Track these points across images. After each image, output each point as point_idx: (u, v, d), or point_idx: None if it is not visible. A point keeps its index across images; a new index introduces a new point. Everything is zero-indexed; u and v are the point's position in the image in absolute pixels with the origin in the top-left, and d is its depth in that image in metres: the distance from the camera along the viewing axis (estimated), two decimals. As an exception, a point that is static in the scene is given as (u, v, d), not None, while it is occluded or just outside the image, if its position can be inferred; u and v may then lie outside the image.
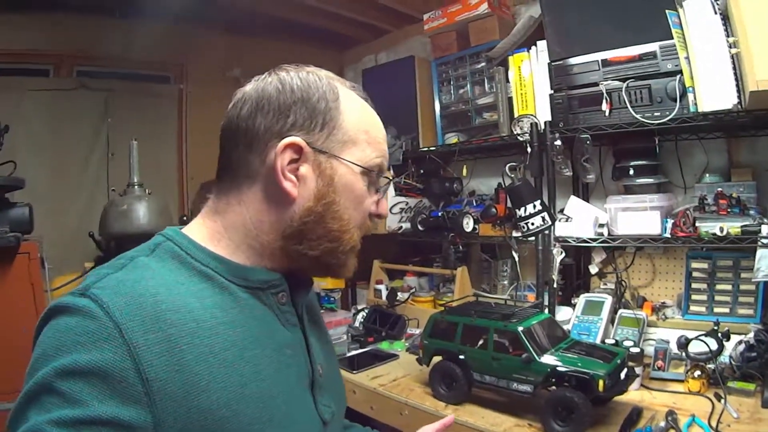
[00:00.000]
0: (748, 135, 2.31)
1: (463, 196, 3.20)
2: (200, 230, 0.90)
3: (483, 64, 2.85)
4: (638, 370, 2.04)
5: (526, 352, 1.87)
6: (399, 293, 3.12)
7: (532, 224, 2.36)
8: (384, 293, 3.16)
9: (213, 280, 0.83)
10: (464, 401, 2.07)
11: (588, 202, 2.62)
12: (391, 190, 3.10)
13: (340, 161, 0.89)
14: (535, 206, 2.35)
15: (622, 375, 1.85)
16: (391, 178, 1.01)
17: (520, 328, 1.91)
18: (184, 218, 2.54)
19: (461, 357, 2.06)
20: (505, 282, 3.03)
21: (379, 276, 3.37)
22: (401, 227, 3.14)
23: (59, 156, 3.17)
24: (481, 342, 2.02)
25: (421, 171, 3.25)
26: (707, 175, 2.36)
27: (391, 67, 3.37)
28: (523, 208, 2.37)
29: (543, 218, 2.34)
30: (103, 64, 3.30)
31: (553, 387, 1.84)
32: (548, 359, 1.85)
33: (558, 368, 1.81)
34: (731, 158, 2.39)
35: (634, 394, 2.01)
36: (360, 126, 0.92)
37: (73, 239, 2.71)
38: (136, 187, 2.65)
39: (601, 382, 1.71)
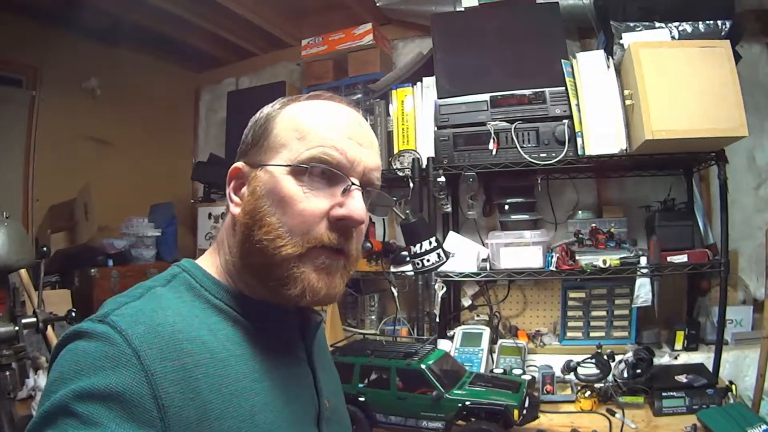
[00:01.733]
0: (617, 176, 2.53)
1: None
2: (210, 262, 0.89)
3: (359, 95, 2.82)
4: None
5: (433, 389, 1.85)
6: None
7: (428, 260, 2.35)
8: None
9: (225, 313, 0.82)
10: (367, 446, 1.99)
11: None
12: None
13: (265, 169, 0.83)
14: (430, 242, 2.34)
15: (526, 403, 1.88)
16: (353, 179, 0.83)
17: (424, 366, 1.89)
18: (44, 249, 2.12)
19: (361, 399, 1.98)
20: (373, 317, 2.98)
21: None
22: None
23: None
24: (381, 382, 1.97)
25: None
26: (579, 212, 2.54)
27: (260, 92, 3.22)
28: (419, 245, 2.35)
29: (438, 255, 2.34)
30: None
31: (462, 422, 1.82)
32: (457, 394, 1.84)
33: (469, 402, 1.81)
34: (600, 196, 2.59)
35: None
36: (292, 126, 0.84)
37: None
38: None
39: (516, 412, 1.75)
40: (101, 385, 0.64)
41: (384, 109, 2.68)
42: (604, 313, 2.48)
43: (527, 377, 2.12)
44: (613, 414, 2.01)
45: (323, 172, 0.82)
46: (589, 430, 1.92)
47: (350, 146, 0.84)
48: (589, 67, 2.18)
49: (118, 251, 2.87)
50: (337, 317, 2.82)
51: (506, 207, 2.52)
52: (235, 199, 0.86)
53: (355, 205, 0.82)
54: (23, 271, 2.18)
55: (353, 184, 0.83)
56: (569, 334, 2.51)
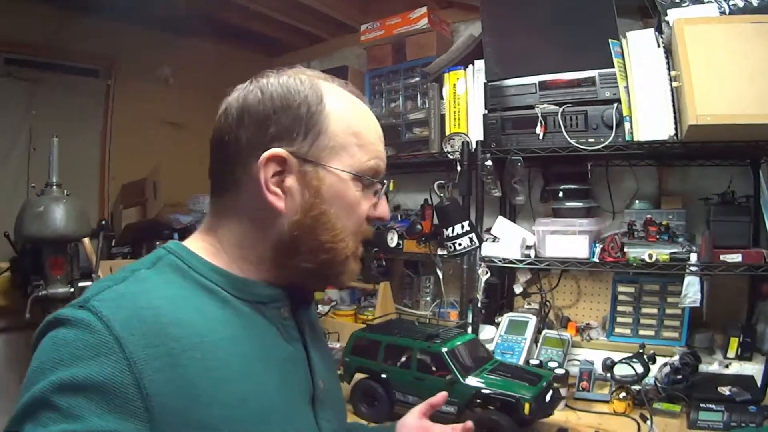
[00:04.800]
0: (680, 165, 2.34)
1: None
2: (199, 244, 0.86)
3: (417, 79, 2.78)
4: (563, 391, 2.01)
5: (450, 373, 1.82)
6: (320, 306, 3.01)
7: (459, 245, 2.31)
8: (305, 306, 3.03)
9: (215, 294, 0.80)
10: (386, 420, 1.98)
11: (515, 223, 2.59)
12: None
13: (328, 170, 0.83)
14: (462, 227, 2.31)
15: (548, 397, 1.81)
16: (385, 181, 0.91)
17: (445, 349, 1.86)
18: (103, 222, 2.36)
19: (383, 376, 1.99)
20: (428, 298, 2.96)
21: (299, 288, 3.23)
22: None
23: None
24: (404, 361, 1.96)
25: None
26: (637, 201, 2.37)
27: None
28: (450, 228, 2.32)
29: (471, 239, 2.30)
30: (32, 52, 3.06)
31: (478, 409, 1.78)
32: (473, 381, 1.80)
33: (483, 390, 1.77)
34: (661, 186, 2.41)
35: (559, 415, 1.97)
36: (349, 128, 0.85)
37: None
38: (54, 187, 2.37)
39: (527, 406, 1.68)
40: (81, 376, 0.63)
41: (437, 92, 2.63)
42: (655, 310, 2.30)
43: (561, 371, 2.05)
44: (645, 420, 1.87)
45: (376, 182, 0.89)
46: (612, 433, 1.80)
47: (384, 153, 0.91)
48: (639, 47, 2.02)
49: (183, 226, 3.03)
50: (389, 295, 2.85)
51: (560, 194, 2.41)
52: (277, 190, 0.82)
53: (386, 206, 0.93)
54: (86, 241, 2.44)
55: (382, 186, 0.91)
56: (617, 330, 2.35)
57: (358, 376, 2.09)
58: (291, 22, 3.30)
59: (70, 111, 3.22)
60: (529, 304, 2.61)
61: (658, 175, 2.41)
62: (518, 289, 2.61)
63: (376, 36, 2.90)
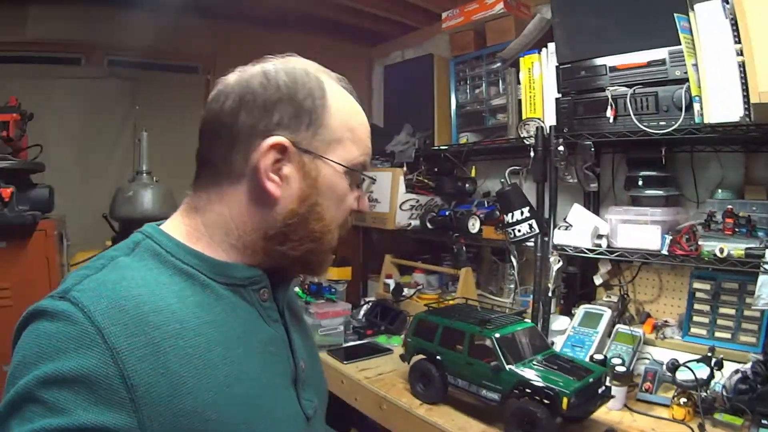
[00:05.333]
0: (767, 150, 2.13)
1: (476, 196, 3.12)
2: (179, 227, 0.88)
3: (498, 64, 2.76)
4: (621, 390, 1.93)
5: (495, 360, 1.81)
6: (405, 289, 3.08)
7: (519, 231, 2.29)
8: (392, 287, 3.13)
9: (194, 278, 0.81)
10: (439, 402, 2.03)
11: (598, 211, 2.50)
12: (402, 187, 3.09)
13: (325, 161, 0.87)
14: (522, 213, 2.28)
15: (598, 394, 1.77)
16: (373, 177, 0.99)
17: (496, 335, 1.85)
18: None
19: (438, 358, 2.03)
20: (511, 286, 2.94)
21: (389, 270, 3.33)
22: (410, 224, 3.11)
23: (87, 141, 3.30)
24: (458, 346, 1.97)
25: (435, 169, 3.20)
26: (719, 190, 2.19)
27: (411, 64, 3.34)
28: (510, 214, 2.29)
29: (530, 225, 2.26)
30: (133, 53, 3.39)
31: (523, 398, 1.75)
32: (518, 370, 1.77)
33: (525, 380, 1.74)
34: (747, 174, 2.20)
35: (614, 414, 1.91)
36: (345, 124, 0.90)
37: (96, 220, 2.83)
38: (144, 174, 2.78)
39: (565, 400, 1.63)
40: (65, 369, 0.64)
41: (514, 77, 2.60)
42: (732, 311, 2.10)
43: (622, 369, 1.97)
44: (702, 430, 1.74)
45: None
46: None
47: (370, 151, 0.96)
48: (707, 21, 1.85)
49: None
50: (471, 280, 2.88)
51: (639, 181, 2.28)
52: (274, 177, 0.84)
53: (366, 201, 0.98)
54: None
55: (363, 181, 0.97)
56: (693, 330, 2.17)
57: (418, 358, 2.13)
58: (383, 14, 3.40)
59: (171, 105, 3.53)
60: (609, 296, 2.50)
61: (745, 162, 2.21)
62: (598, 280, 2.51)
63: (457, 23, 2.90)
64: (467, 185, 3.09)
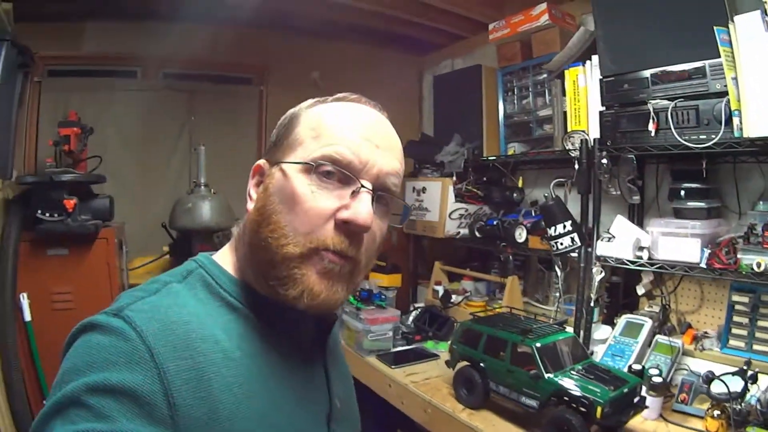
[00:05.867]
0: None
1: (523, 206, 3.20)
2: (228, 258, 0.90)
3: (545, 75, 2.83)
4: (657, 400, 2.01)
5: (535, 368, 1.90)
6: (454, 296, 3.18)
7: (561, 244, 2.36)
8: (441, 294, 3.24)
9: (239, 311, 0.83)
10: (481, 407, 2.14)
11: (642, 223, 2.55)
12: (451, 197, 3.20)
13: (279, 166, 0.85)
14: (565, 226, 2.34)
15: (633, 403, 1.84)
16: (365, 183, 0.82)
17: (537, 345, 1.93)
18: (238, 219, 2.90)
19: (482, 365, 2.13)
20: (557, 294, 3.01)
21: (438, 277, 3.44)
22: (459, 232, 3.22)
23: (145, 151, 3.48)
24: (501, 353, 2.06)
25: (484, 179, 3.29)
26: (761, 202, 2.19)
27: (460, 75, 3.44)
28: (553, 227, 2.37)
29: (572, 239, 2.33)
30: (188, 66, 3.56)
31: (561, 406, 1.84)
32: (557, 379, 1.86)
33: (562, 389, 1.82)
34: (791, 186, 2.21)
35: (649, 425, 1.98)
36: (312, 125, 0.85)
37: (154, 227, 3.02)
38: (202, 187, 2.98)
39: (599, 409, 1.71)
40: (114, 380, 0.65)
41: (560, 88, 2.67)
42: None
43: (658, 380, 2.03)
44: None
45: (333, 172, 0.81)
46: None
47: (365, 147, 0.83)
48: (747, 33, 1.88)
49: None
50: (517, 288, 2.98)
51: (681, 192, 2.32)
52: (253, 195, 0.87)
53: (361, 208, 0.80)
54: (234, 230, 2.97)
55: (363, 186, 0.81)
56: (731, 342, 2.19)
57: (462, 364, 2.24)
58: (433, 24, 3.50)
59: (226, 116, 3.71)
60: (650, 306, 2.55)
61: (790, 172, 2.21)
62: (641, 290, 2.56)
63: (503, 34, 2.99)
64: (515, 195, 3.18)
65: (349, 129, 0.84)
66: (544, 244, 2.72)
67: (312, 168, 0.81)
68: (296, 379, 0.87)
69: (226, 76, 3.78)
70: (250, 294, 0.85)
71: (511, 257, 3.06)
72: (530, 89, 2.96)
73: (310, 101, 0.92)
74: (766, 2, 1.79)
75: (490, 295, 3.29)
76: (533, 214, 3.01)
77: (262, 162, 0.89)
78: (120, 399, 0.65)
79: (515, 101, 3.06)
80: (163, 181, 3.53)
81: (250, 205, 0.86)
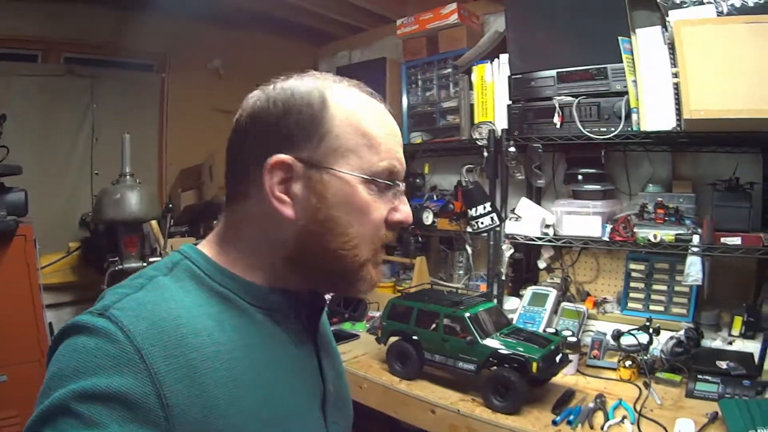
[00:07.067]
0: (692, 151, 2.57)
1: (425, 191, 3.45)
2: (216, 249, 0.87)
3: (450, 69, 3.09)
4: (574, 357, 2.32)
5: (470, 335, 2.13)
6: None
7: (482, 223, 2.64)
8: (350, 278, 3.40)
9: (230, 301, 0.82)
10: (416, 378, 2.35)
11: (540, 203, 2.89)
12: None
13: (333, 173, 0.82)
14: (485, 207, 2.63)
15: (557, 360, 2.12)
16: (400, 183, 0.89)
17: (467, 314, 2.17)
18: (170, 206, 2.86)
19: (415, 338, 2.33)
20: (461, 272, 3.30)
21: (346, 262, 3.60)
22: (365, 218, 3.41)
23: (46, 140, 3.36)
24: (433, 325, 2.28)
25: (386, 166, 3.50)
26: (650, 185, 2.60)
27: (364, 66, 3.58)
28: (474, 209, 2.65)
29: (492, 218, 2.62)
30: (90, 51, 3.48)
31: (494, 367, 2.10)
32: (490, 342, 2.11)
33: (498, 350, 2.07)
34: (674, 171, 2.64)
35: (569, 379, 2.30)
36: (356, 129, 0.83)
37: (59, 220, 2.92)
38: (128, 177, 2.92)
39: (534, 364, 1.97)
40: (103, 386, 0.64)
41: (467, 83, 2.95)
42: (665, 287, 2.55)
43: (573, 339, 2.37)
44: (647, 387, 2.14)
45: (390, 184, 0.86)
46: (617, 397, 2.08)
47: (401, 152, 0.89)
48: (647, 44, 2.26)
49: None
50: (425, 268, 3.24)
51: (579, 177, 2.69)
52: (283, 197, 0.82)
53: (407, 209, 0.88)
54: (154, 223, 2.88)
55: (401, 187, 0.89)
56: (630, 305, 2.61)
57: (393, 339, 2.43)
58: (333, 15, 3.66)
59: (128, 103, 3.65)
60: (551, 279, 2.92)
61: (672, 160, 2.65)
62: (542, 264, 2.92)
63: (411, 30, 3.21)
64: (417, 180, 3.44)
65: (391, 137, 0.88)
66: (452, 225, 3.01)
67: (380, 183, 0.84)
68: (290, 367, 0.88)
69: (128, 62, 3.72)
70: (241, 284, 0.84)
71: (412, 239, 3.30)
72: (435, 82, 3.21)
73: (313, 79, 0.87)
74: (668, 19, 2.18)
75: (395, 276, 3.52)
76: (435, 198, 3.31)
77: (289, 159, 0.81)
78: (110, 404, 0.64)
79: (419, 93, 3.30)
80: (65, 172, 3.41)
81: (287, 210, 0.82)
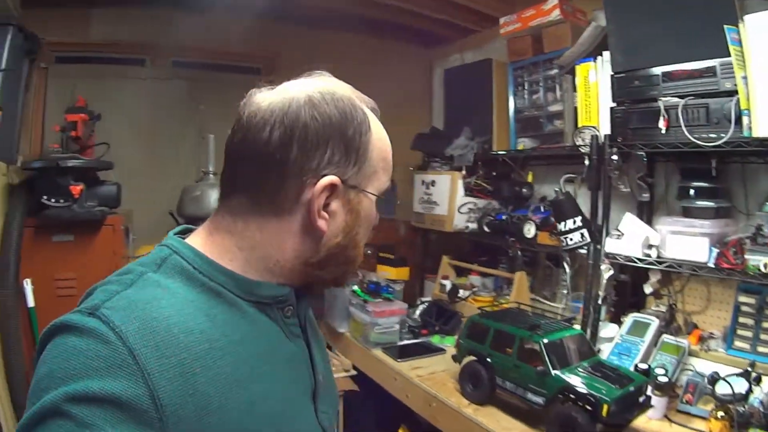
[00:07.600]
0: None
1: (532, 201, 3.24)
2: (209, 245, 0.88)
3: (555, 70, 2.88)
4: (662, 400, 2.05)
5: (542, 364, 1.95)
6: (461, 290, 3.23)
7: (570, 239, 2.41)
8: (448, 289, 3.29)
9: (221, 296, 0.83)
10: (486, 402, 2.20)
11: (651, 221, 2.58)
12: (460, 191, 3.27)
13: (365, 194, 0.91)
14: (575, 222, 2.40)
15: (638, 402, 1.89)
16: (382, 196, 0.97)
17: (544, 341, 1.99)
18: None
19: (488, 360, 2.18)
20: (564, 291, 3.07)
21: (446, 271, 3.50)
22: (468, 227, 3.27)
23: (153, 139, 3.53)
24: (507, 348, 2.12)
25: (493, 173, 3.35)
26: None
27: (471, 68, 3.49)
28: (563, 222, 2.42)
29: (582, 234, 2.38)
30: (196, 55, 3.62)
31: (567, 403, 1.88)
32: (563, 375, 1.91)
33: (569, 385, 1.87)
34: (802, 186, 2.24)
35: (653, 424, 2.03)
36: (381, 155, 0.93)
37: (162, 215, 3.08)
38: (211, 175, 3.07)
39: (605, 407, 1.76)
40: (96, 388, 0.65)
41: (571, 84, 2.73)
42: None
43: (664, 379, 2.07)
44: None
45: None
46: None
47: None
48: (759, 32, 1.91)
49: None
50: (525, 284, 3.05)
51: (690, 191, 2.36)
52: (324, 214, 0.87)
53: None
54: None
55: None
56: (737, 343, 2.23)
57: (469, 359, 2.29)
58: (444, 17, 3.56)
59: (234, 106, 3.73)
60: (657, 306, 2.60)
61: (801, 173, 2.25)
62: (648, 289, 2.60)
63: (514, 29, 3.03)
64: (524, 190, 3.23)
65: (391, 156, 0.97)
66: (553, 239, 2.78)
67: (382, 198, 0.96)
68: (283, 360, 0.90)
69: (235, 65, 3.83)
70: (232, 278, 0.85)
71: (519, 253, 3.11)
72: (541, 84, 3.01)
73: (354, 94, 0.92)
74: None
75: (497, 290, 3.34)
76: (542, 209, 3.06)
77: (336, 180, 0.85)
78: (104, 406, 0.65)
79: (525, 96, 3.12)
80: (171, 169, 3.58)
81: (323, 225, 0.87)
